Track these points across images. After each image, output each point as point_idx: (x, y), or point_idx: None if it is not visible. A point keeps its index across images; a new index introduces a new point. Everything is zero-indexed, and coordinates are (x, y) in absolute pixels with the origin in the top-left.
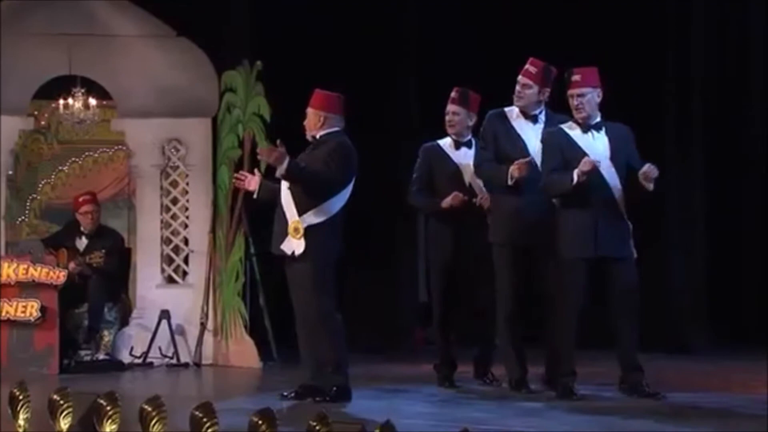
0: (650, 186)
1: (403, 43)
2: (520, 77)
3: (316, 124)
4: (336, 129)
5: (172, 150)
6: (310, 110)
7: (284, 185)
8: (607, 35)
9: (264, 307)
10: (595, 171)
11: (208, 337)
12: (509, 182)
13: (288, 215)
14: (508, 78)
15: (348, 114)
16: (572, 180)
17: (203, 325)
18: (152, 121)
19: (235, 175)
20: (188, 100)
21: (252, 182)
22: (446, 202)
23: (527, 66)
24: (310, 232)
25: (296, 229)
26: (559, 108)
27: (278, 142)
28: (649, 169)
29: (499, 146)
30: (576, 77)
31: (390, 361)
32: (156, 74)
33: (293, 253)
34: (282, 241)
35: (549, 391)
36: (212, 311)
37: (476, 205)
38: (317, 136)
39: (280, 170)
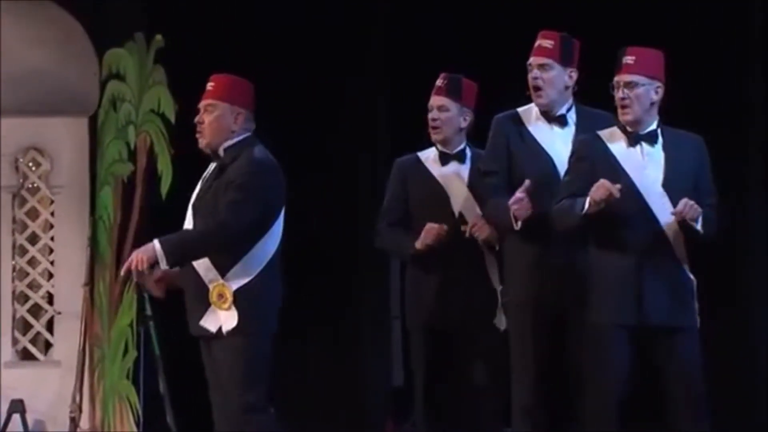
0: (697, 226)
1: (366, 18)
2: (532, 59)
3: (229, 127)
4: (248, 134)
5: (30, 164)
6: (221, 106)
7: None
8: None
9: (165, 395)
10: (613, 199)
11: None
12: (515, 226)
13: (205, 278)
14: (511, 67)
15: (286, 116)
16: (582, 208)
17: (74, 422)
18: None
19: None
20: (54, 90)
21: (160, 285)
22: (419, 242)
23: (539, 41)
24: (242, 298)
25: (221, 296)
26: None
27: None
28: (683, 209)
29: (516, 165)
30: (628, 59)
31: None
32: (7, 53)
33: (220, 329)
34: (201, 315)
35: None
36: (88, 401)
37: (467, 237)
38: (224, 149)
39: (161, 261)
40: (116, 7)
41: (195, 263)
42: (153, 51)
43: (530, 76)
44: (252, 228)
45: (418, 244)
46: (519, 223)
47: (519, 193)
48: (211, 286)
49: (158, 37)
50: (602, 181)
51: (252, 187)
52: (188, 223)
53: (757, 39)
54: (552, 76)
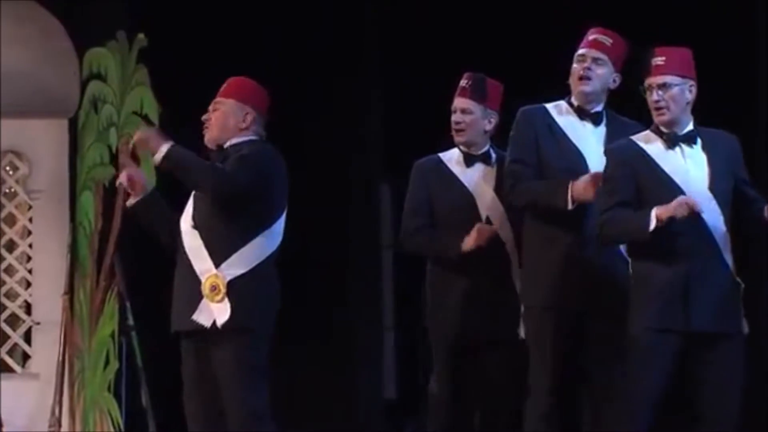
0: None
1: (363, 18)
2: (586, 51)
3: (237, 124)
4: (256, 137)
5: (8, 168)
6: (229, 102)
7: (187, 223)
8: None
9: (148, 409)
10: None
11: None
12: (570, 205)
13: (198, 268)
14: (511, 66)
15: (280, 117)
16: (650, 223)
17: None
18: None
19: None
20: (33, 91)
21: (131, 178)
22: (467, 242)
23: (595, 36)
24: (235, 290)
25: (214, 287)
26: None
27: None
28: None
29: (544, 158)
30: (659, 60)
31: None
32: None
33: (213, 323)
34: (193, 310)
35: None
36: (68, 414)
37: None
38: (231, 144)
39: (159, 154)
40: (97, 4)
41: (189, 252)
42: (135, 50)
43: (580, 66)
44: (243, 191)
45: (467, 246)
46: (574, 203)
47: (596, 172)
48: (203, 278)
49: (141, 36)
50: (684, 198)
51: (252, 161)
52: (188, 210)
53: (760, 38)
54: (603, 72)
